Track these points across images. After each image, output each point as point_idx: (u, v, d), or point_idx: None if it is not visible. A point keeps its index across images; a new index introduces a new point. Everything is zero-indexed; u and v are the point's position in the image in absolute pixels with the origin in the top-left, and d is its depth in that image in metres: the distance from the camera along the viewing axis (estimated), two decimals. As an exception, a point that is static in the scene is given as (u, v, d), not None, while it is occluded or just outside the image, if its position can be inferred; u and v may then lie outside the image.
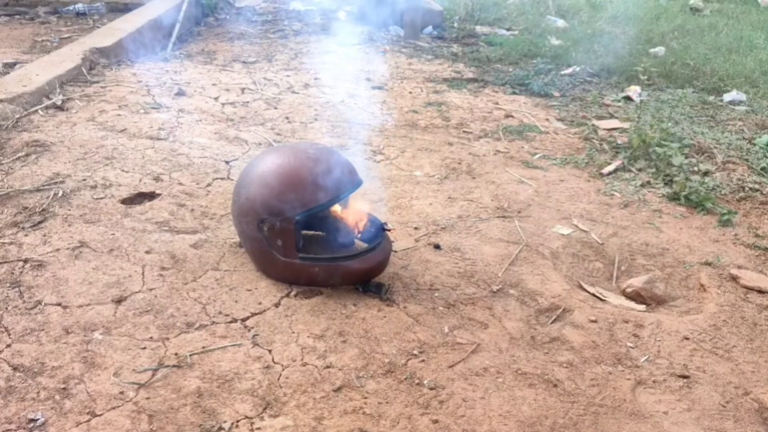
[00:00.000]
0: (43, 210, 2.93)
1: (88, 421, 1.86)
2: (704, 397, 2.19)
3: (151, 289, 2.47)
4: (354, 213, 2.71)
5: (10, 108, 3.94)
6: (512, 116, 4.93)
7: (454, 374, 2.18)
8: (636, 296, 2.76)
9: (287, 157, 2.57)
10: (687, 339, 2.47)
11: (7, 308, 2.29)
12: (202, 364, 2.11)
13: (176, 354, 2.15)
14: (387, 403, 2.03)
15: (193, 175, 3.45)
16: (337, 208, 2.70)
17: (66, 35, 6.52)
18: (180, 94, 4.70)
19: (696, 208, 3.55)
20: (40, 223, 2.84)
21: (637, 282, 2.80)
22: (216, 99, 4.74)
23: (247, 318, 2.36)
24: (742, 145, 4.49)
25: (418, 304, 2.53)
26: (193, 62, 5.77)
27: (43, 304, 2.33)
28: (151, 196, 3.19)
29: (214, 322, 2.33)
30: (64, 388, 1.96)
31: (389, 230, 2.67)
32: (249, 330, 2.30)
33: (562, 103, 5.41)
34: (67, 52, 5.16)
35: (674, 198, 3.64)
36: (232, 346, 2.21)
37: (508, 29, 8.26)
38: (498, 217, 3.30)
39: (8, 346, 2.12)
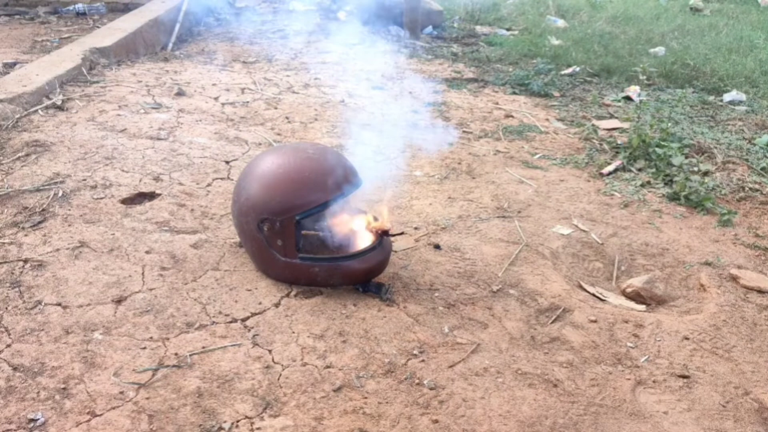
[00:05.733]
0: (43, 210, 2.93)
1: (88, 421, 1.86)
2: (704, 397, 2.19)
3: (151, 289, 2.47)
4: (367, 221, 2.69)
5: (10, 108, 3.94)
6: (512, 116, 4.94)
7: (454, 374, 2.18)
8: (636, 296, 2.76)
9: (287, 157, 2.57)
10: (687, 339, 2.47)
11: (7, 308, 2.29)
12: (202, 364, 2.11)
13: (176, 354, 2.15)
14: (387, 403, 2.03)
15: (193, 175, 3.45)
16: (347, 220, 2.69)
17: (66, 35, 6.52)
18: (180, 94, 4.70)
19: (696, 208, 3.55)
20: (40, 223, 2.84)
21: (637, 282, 2.80)
22: (216, 99, 4.74)
23: (247, 318, 2.36)
24: (742, 145, 4.49)
25: (418, 304, 2.53)
26: (193, 62, 5.77)
27: (43, 304, 2.33)
28: (151, 196, 3.19)
29: (214, 322, 2.33)
30: (64, 388, 1.96)
31: (393, 235, 2.67)
32: (249, 330, 2.30)
33: (562, 103, 5.41)
34: (67, 52, 5.15)
35: (674, 198, 3.64)
36: (232, 346, 2.21)
37: (508, 29, 8.26)
38: (498, 217, 3.30)
39: (8, 346, 2.12)
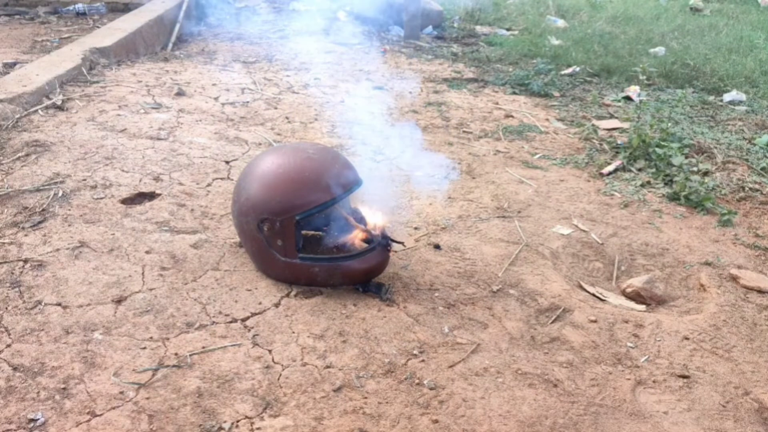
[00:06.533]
0: (43, 210, 2.93)
1: (88, 421, 1.86)
2: (704, 397, 2.19)
3: (151, 289, 2.47)
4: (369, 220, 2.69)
5: (10, 108, 3.94)
6: (512, 116, 4.94)
7: (454, 374, 2.18)
8: (636, 296, 2.76)
9: (287, 157, 2.57)
10: (687, 339, 2.47)
11: (7, 308, 2.29)
12: (202, 364, 2.11)
13: (176, 354, 2.15)
14: (387, 403, 2.03)
15: (193, 175, 3.45)
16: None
17: (66, 35, 6.52)
18: (180, 94, 4.70)
19: (696, 208, 3.55)
20: (40, 223, 2.84)
21: (637, 282, 2.80)
22: (216, 99, 4.74)
23: (247, 318, 2.36)
24: (742, 145, 4.49)
25: (418, 304, 2.53)
26: (193, 62, 5.77)
27: (43, 304, 2.33)
28: (151, 196, 3.19)
29: (214, 322, 2.33)
30: (64, 388, 1.96)
31: (394, 241, 2.66)
32: (249, 330, 2.30)
33: (562, 103, 5.41)
34: (67, 52, 5.15)
35: (674, 198, 3.64)
36: (232, 346, 2.21)
37: (508, 29, 8.27)
38: (498, 217, 3.30)
39: (8, 346, 2.12)
